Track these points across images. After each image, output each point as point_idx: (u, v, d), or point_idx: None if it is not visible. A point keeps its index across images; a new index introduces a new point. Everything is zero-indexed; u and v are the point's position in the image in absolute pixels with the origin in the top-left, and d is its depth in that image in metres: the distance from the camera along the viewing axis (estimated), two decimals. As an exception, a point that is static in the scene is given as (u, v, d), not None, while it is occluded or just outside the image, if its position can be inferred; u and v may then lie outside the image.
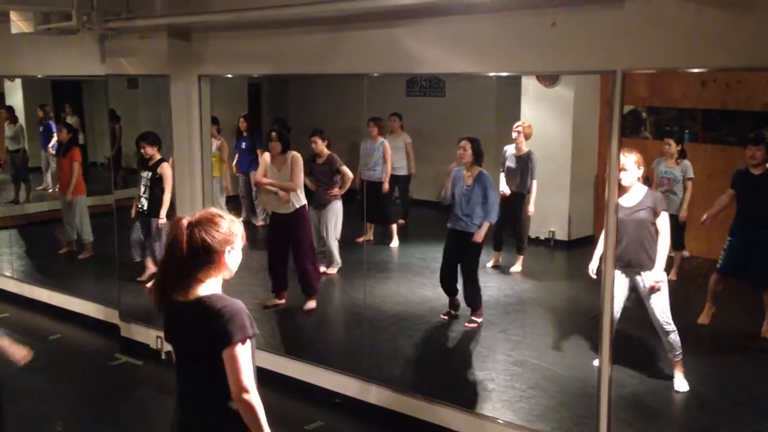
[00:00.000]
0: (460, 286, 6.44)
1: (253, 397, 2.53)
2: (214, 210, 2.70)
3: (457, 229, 6.26)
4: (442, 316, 6.54)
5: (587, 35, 3.87)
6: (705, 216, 6.09)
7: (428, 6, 4.34)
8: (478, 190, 6.14)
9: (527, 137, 7.12)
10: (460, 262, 6.35)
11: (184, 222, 2.62)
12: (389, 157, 8.55)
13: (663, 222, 4.90)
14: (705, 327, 6.03)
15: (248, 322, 2.56)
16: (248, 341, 2.55)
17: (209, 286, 2.64)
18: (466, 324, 6.35)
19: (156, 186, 6.77)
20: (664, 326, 4.93)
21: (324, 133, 7.44)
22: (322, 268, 7.64)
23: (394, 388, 5.03)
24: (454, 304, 6.54)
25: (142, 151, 6.89)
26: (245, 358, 2.53)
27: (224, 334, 2.52)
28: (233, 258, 2.68)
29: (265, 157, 6.74)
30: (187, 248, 2.57)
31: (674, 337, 4.97)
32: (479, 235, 6.15)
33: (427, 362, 5.83)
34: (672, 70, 4.05)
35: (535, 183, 7.20)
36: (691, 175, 6.82)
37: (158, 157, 6.84)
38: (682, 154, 6.88)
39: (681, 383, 5.05)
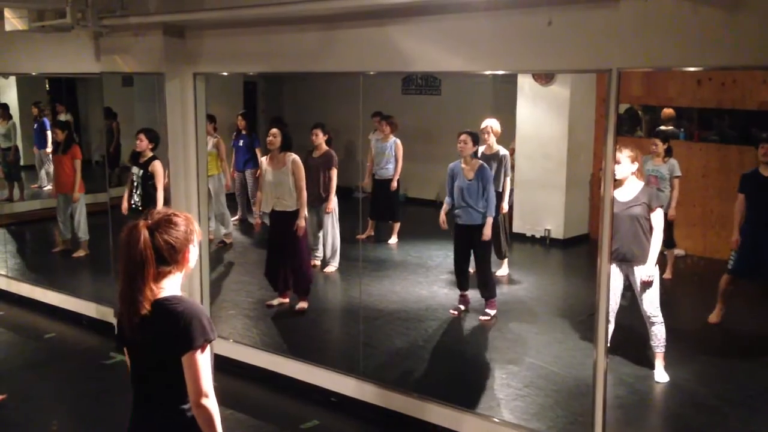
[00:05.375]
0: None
1: (212, 402, 2.51)
2: (168, 210, 2.67)
3: (463, 223, 6.32)
4: (452, 311, 6.57)
5: (583, 34, 3.87)
6: (734, 235, 5.95)
7: (424, 4, 4.33)
8: (480, 183, 6.21)
9: (496, 136, 7.03)
10: (473, 253, 6.43)
11: (143, 227, 2.55)
12: (401, 156, 8.57)
13: (657, 218, 5.04)
14: (711, 325, 6.04)
15: (209, 327, 2.53)
16: (208, 346, 2.53)
17: (169, 288, 2.60)
18: (480, 317, 6.40)
19: (148, 183, 6.75)
20: (651, 318, 5.09)
21: (325, 127, 7.48)
22: (329, 268, 7.68)
23: (390, 387, 5.03)
24: (464, 300, 6.57)
25: (138, 142, 6.84)
26: (205, 363, 2.51)
27: (185, 338, 2.48)
28: (194, 255, 2.66)
29: (262, 160, 6.74)
30: (151, 252, 2.52)
31: (659, 329, 5.10)
32: (487, 234, 6.24)
33: (423, 361, 5.83)
34: (667, 68, 4.05)
35: (508, 180, 7.05)
36: (678, 173, 6.82)
37: (150, 154, 6.81)
38: (668, 153, 6.87)
39: (661, 374, 5.18)
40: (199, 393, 2.49)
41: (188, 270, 2.67)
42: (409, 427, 4.87)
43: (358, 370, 5.23)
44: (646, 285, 5.03)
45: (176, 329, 2.50)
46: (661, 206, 5.10)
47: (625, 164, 4.96)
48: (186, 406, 2.56)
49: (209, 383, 2.53)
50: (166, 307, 2.54)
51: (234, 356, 5.81)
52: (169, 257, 2.57)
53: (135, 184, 6.82)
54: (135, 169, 6.84)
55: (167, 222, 2.59)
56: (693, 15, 3.47)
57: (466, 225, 6.31)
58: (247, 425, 5.03)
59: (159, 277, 2.57)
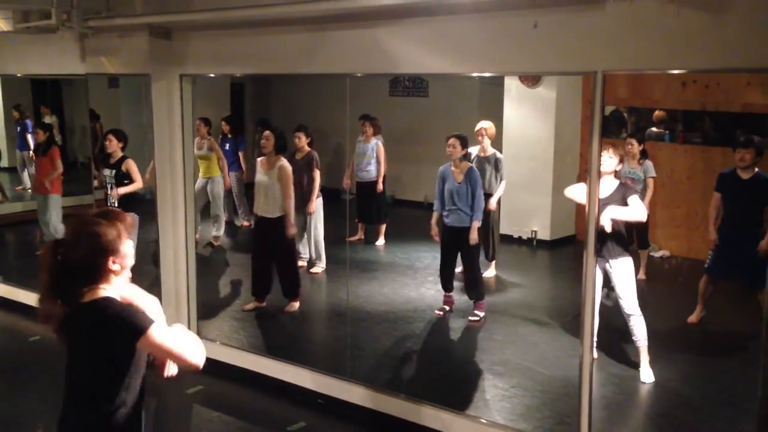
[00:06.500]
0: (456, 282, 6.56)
1: (202, 353, 2.53)
2: (116, 210, 2.64)
3: (452, 225, 6.33)
4: (437, 312, 6.59)
5: (569, 36, 3.89)
6: (711, 234, 5.97)
7: (411, 6, 4.34)
8: (469, 186, 6.23)
9: (490, 138, 7.00)
10: (460, 255, 6.44)
11: (89, 215, 2.50)
12: (383, 157, 8.55)
13: (633, 200, 5.06)
14: (694, 326, 6.07)
15: (141, 313, 2.48)
16: (154, 324, 2.44)
17: (109, 290, 2.52)
18: (470, 318, 6.42)
19: (121, 183, 6.72)
20: (627, 310, 5.12)
21: (308, 129, 7.48)
22: (315, 269, 7.67)
23: (377, 388, 5.03)
24: (449, 301, 6.59)
25: (107, 143, 6.81)
26: (168, 334, 2.46)
27: (130, 329, 2.41)
28: (122, 261, 2.54)
29: (257, 161, 6.73)
30: (56, 276, 2.47)
31: (637, 322, 5.12)
32: (473, 238, 6.26)
33: (410, 362, 5.84)
34: (652, 71, 4.08)
35: (503, 184, 6.99)
36: (652, 174, 6.86)
37: (121, 154, 6.79)
38: (643, 155, 6.91)
39: (646, 373, 5.20)
40: (188, 363, 2.49)
41: (123, 270, 2.55)
42: (396, 429, 4.87)
43: (345, 372, 5.23)
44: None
45: (114, 329, 2.43)
46: (636, 193, 5.16)
47: (609, 160, 5.02)
48: (103, 408, 2.50)
49: (188, 348, 2.49)
50: (97, 308, 2.46)
51: (221, 358, 5.79)
52: (83, 275, 2.49)
53: (109, 186, 6.77)
54: (107, 171, 6.80)
55: (68, 243, 2.50)
56: (677, 18, 3.50)
57: (455, 227, 6.32)
58: (234, 427, 5.02)
59: (96, 271, 2.48)
